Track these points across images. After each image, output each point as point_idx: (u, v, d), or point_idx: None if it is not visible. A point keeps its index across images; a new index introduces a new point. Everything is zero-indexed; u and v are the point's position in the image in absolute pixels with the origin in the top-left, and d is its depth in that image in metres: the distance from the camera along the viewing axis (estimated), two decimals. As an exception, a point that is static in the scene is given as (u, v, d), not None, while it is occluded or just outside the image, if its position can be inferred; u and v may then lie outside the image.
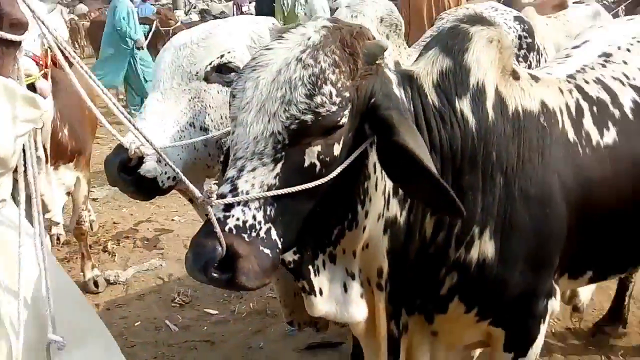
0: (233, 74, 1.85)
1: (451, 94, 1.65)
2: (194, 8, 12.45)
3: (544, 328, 1.91)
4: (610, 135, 1.88)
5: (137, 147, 1.55)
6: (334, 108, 1.37)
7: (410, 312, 1.83)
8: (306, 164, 1.39)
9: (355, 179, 1.49)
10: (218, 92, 1.91)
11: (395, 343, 1.83)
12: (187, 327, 3.49)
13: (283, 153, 1.37)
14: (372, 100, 1.45)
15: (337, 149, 1.42)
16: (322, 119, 1.36)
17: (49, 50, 2.80)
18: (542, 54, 2.91)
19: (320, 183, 1.38)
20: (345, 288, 1.67)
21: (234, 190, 1.34)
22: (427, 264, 1.71)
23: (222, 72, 1.88)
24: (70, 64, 1.31)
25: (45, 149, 2.95)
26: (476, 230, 1.67)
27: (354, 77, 1.41)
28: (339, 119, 1.38)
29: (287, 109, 1.35)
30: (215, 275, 1.30)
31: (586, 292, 2.83)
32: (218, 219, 1.31)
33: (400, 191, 1.57)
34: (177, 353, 3.25)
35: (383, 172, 1.51)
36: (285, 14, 7.77)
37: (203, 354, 3.24)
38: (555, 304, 1.92)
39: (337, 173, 1.41)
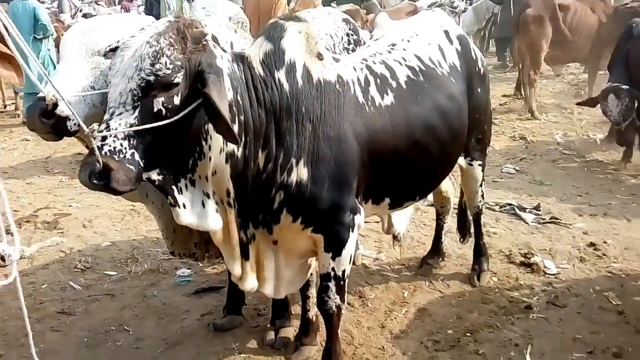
0: None
1: (272, 67, 2.43)
2: (80, 11, 12.65)
3: (353, 236, 2.72)
4: (389, 99, 2.74)
5: (52, 95, 2.20)
6: (168, 72, 2.10)
7: (255, 226, 2.59)
8: (155, 109, 2.12)
9: (198, 122, 2.22)
10: None
11: (245, 247, 2.59)
12: (89, 286, 4.05)
13: (139, 103, 2.10)
14: (199, 67, 2.18)
15: (176, 100, 2.15)
16: (161, 78, 2.09)
17: None
18: (368, 48, 3.76)
19: (165, 123, 2.10)
20: (204, 205, 2.40)
21: (107, 128, 2.08)
22: (262, 186, 2.47)
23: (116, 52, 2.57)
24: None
25: None
26: (293, 161, 2.45)
27: (184, 52, 2.15)
28: (172, 79, 2.11)
29: (139, 73, 2.09)
30: (95, 182, 2.05)
31: (400, 224, 3.69)
32: (98, 147, 2.05)
33: (235, 131, 2.32)
34: (81, 305, 3.80)
35: None
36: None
37: (104, 304, 3.82)
38: (360, 219, 2.72)
39: (178, 117, 2.13)
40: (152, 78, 2.08)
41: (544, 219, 4.88)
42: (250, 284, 2.66)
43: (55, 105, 2.34)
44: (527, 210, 5.00)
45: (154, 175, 2.23)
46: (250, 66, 2.41)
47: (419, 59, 2.94)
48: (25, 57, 1.94)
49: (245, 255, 2.60)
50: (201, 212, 2.40)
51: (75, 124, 2.44)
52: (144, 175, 2.19)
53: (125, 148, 2.08)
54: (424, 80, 2.88)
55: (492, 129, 3.73)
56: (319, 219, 2.60)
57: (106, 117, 2.11)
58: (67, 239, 4.81)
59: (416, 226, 4.81)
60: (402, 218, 3.61)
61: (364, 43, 3.74)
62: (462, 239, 4.10)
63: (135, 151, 2.10)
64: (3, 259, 4.10)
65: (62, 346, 3.33)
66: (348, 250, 2.72)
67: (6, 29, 1.79)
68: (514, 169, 6.07)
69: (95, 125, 2.16)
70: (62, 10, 14.66)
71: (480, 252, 3.95)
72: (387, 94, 2.74)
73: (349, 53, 3.63)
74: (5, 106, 9.89)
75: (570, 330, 3.36)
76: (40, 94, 2.21)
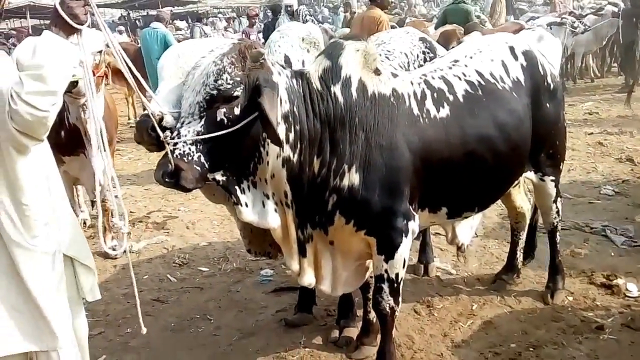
0: None
1: (329, 82, 2.68)
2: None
3: (406, 241, 2.87)
4: (445, 111, 2.88)
5: (160, 111, 2.53)
6: (229, 86, 2.42)
7: (313, 227, 2.83)
8: (218, 119, 2.44)
9: (257, 131, 2.50)
10: None
11: (302, 245, 2.83)
12: (183, 279, 4.51)
13: (204, 113, 2.44)
14: (257, 82, 2.47)
15: (237, 111, 2.46)
16: (222, 92, 2.42)
17: (101, 65, 3.90)
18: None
19: (228, 131, 2.42)
20: (264, 205, 2.69)
21: (178, 135, 2.43)
22: (317, 190, 2.71)
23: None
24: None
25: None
26: (346, 167, 2.67)
27: (243, 70, 2.46)
28: (232, 92, 2.43)
29: (204, 88, 2.42)
30: (167, 180, 2.41)
31: (464, 235, 3.72)
32: (170, 151, 2.41)
33: (291, 139, 2.59)
34: (174, 295, 4.26)
35: (277, 127, 2.53)
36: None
37: (194, 295, 4.24)
38: (413, 225, 2.87)
39: (238, 126, 2.44)
40: (215, 92, 2.42)
41: (636, 242, 4.65)
42: (307, 279, 2.89)
43: (162, 120, 2.60)
44: (619, 232, 4.80)
45: (218, 176, 2.56)
46: (309, 81, 2.67)
47: (479, 74, 3.04)
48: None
49: (302, 253, 2.84)
50: (261, 211, 2.69)
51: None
52: (209, 176, 2.52)
53: (193, 152, 2.43)
54: (483, 95, 2.98)
55: (566, 145, 3.68)
56: (371, 222, 2.78)
57: (178, 125, 2.47)
58: (171, 238, 5.35)
59: (498, 243, 4.79)
60: (466, 229, 3.67)
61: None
62: (524, 260, 4.06)
63: (202, 155, 2.44)
64: (113, 250, 4.60)
65: (152, 328, 3.74)
66: (401, 254, 2.87)
67: (125, 61, 2.34)
68: (614, 190, 5.80)
69: (168, 132, 2.50)
70: (192, 37, 16.03)
71: (555, 270, 3.88)
72: (443, 107, 2.88)
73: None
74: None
75: (641, 354, 3.24)
76: (145, 112, 2.57)
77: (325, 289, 2.99)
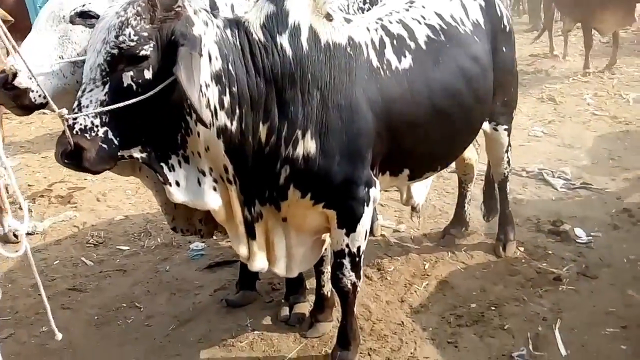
0: (93, 19, 2.33)
1: (274, 32, 2.22)
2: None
3: (368, 210, 2.54)
4: (407, 62, 2.51)
5: (11, 65, 2.03)
6: (133, 43, 1.94)
7: (262, 203, 2.42)
8: (125, 84, 1.97)
9: (179, 96, 2.01)
10: (82, 32, 2.36)
11: (251, 226, 2.43)
12: (102, 262, 3.96)
13: (107, 78, 1.97)
14: (172, 37, 2.00)
15: (147, 74, 1.98)
16: (124, 51, 1.95)
17: None
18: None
19: (138, 100, 1.95)
20: (199, 182, 2.26)
21: (79, 105, 1.97)
22: (266, 161, 2.30)
23: (84, 17, 2.34)
24: None
25: None
26: (299, 132, 2.27)
27: (153, 22, 1.98)
28: (137, 51, 1.95)
29: (104, 46, 1.95)
30: (67, 161, 1.96)
31: (420, 194, 3.49)
32: (69, 126, 1.94)
33: (226, 104, 2.14)
34: (93, 282, 3.72)
35: (206, 91, 2.08)
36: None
37: (116, 280, 3.73)
38: (375, 193, 2.54)
39: (152, 92, 1.96)
40: (115, 51, 1.95)
41: (574, 184, 4.62)
42: (259, 264, 2.51)
43: (15, 76, 2.15)
44: (556, 175, 4.75)
45: (136, 153, 2.10)
46: (248, 31, 2.21)
47: (439, 16, 2.70)
48: None
49: (251, 234, 2.44)
50: (197, 189, 2.26)
51: (40, 96, 2.26)
52: (122, 154, 2.07)
53: (97, 126, 1.98)
54: (446, 40, 2.65)
55: (518, 91, 3.46)
56: (330, 194, 2.42)
57: (79, 93, 2.00)
58: (80, 213, 4.72)
59: (438, 194, 4.61)
60: (421, 188, 3.41)
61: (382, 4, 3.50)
62: (486, 216, 3.89)
63: (109, 129, 1.99)
64: (16, 236, 3.98)
65: (72, 324, 3.25)
66: (363, 225, 2.55)
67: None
68: (542, 131, 5.78)
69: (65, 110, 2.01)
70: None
71: (506, 221, 3.74)
72: (405, 57, 2.52)
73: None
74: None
75: (602, 303, 3.16)
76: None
77: (279, 272, 2.62)
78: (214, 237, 3.92)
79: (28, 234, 4.39)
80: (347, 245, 2.55)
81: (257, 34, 2.21)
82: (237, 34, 2.19)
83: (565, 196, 4.46)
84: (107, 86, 1.97)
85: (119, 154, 2.05)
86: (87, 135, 1.96)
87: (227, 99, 2.13)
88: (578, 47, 9.41)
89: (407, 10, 2.70)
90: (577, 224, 3.98)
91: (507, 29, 3.06)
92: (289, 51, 2.22)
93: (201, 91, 2.04)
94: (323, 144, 2.30)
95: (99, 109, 1.95)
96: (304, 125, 2.26)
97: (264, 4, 2.26)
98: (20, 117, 2.42)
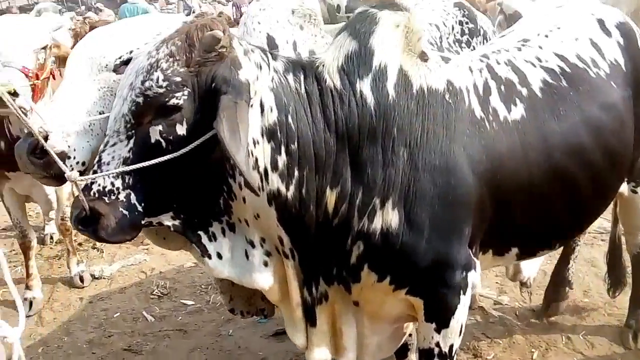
0: None
1: (353, 76, 1.77)
2: (193, 12, 12.60)
3: (465, 299, 1.99)
4: (518, 111, 1.97)
5: (40, 127, 1.68)
6: (161, 90, 1.55)
7: (329, 282, 1.93)
8: (152, 140, 1.59)
9: (220, 155, 1.60)
10: None
11: (310, 310, 1.94)
12: (163, 317, 3.62)
13: (133, 131, 1.60)
14: (213, 85, 1.58)
15: (180, 129, 1.59)
16: (151, 99, 1.56)
17: (46, 64, 2.92)
18: (490, 38, 2.96)
19: (165, 159, 1.55)
20: (247, 256, 1.82)
21: (99, 161, 1.60)
22: (333, 235, 1.81)
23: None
24: None
25: None
26: (377, 201, 1.77)
27: (189, 65, 1.57)
28: (166, 99, 1.56)
29: (130, 93, 1.57)
30: (81, 228, 1.60)
31: (530, 268, 2.88)
32: (86, 185, 1.59)
33: (281, 165, 1.70)
34: (151, 342, 3.37)
35: (254, 149, 1.65)
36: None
37: (175, 341, 3.36)
38: (475, 277, 1.99)
39: (185, 150, 1.56)
40: (141, 99, 1.57)
41: None
42: (318, 356, 2.02)
43: (46, 139, 1.78)
44: None
45: (167, 221, 1.71)
46: (320, 76, 1.76)
47: (561, 58, 2.13)
48: None
49: (311, 320, 1.96)
50: (244, 263, 1.83)
51: (77, 163, 1.89)
52: (149, 221, 1.68)
53: (118, 188, 1.61)
54: (568, 86, 2.07)
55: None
56: (416, 279, 1.89)
57: (101, 147, 1.64)
58: (150, 257, 4.43)
59: (550, 256, 3.90)
60: (533, 261, 2.80)
61: (485, 34, 2.96)
62: (612, 291, 3.18)
63: (132, 192, 1.62)
64: (82, 280, 3.63)
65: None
66: (458, 319, 1.99)
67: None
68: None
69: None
70: (178, 11, 14.97)
71: (638, 303, 3.02)
72: (516, 105, 1.97)
73: (461, 47, 2.88)
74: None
75: None
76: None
77: (348, 365, 2.10)
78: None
79: (95, 278, 4.16)
80: (438, 344, 2.00)
81: (333, 79, 1.76)
82: (302, 78, 1.75)
83: None
84: (131, 141, 1.61)
85: (143, 222, 1.66)
86: (105, 198, 1.61)
87: (282, 159, 1.70)
88: None
89: (519, 49, 2.15)
90: None
91: (653, 69, 2.42)
92: (370, 100, 1.75)
93: (248, 149, 1.61)
94: (409, 215, 1.79)
95: (119, 169, 1.58)
96: (384, 191, 1.77)
97: (345, 40, 1.80)
98: (49, 185, 2.03)
